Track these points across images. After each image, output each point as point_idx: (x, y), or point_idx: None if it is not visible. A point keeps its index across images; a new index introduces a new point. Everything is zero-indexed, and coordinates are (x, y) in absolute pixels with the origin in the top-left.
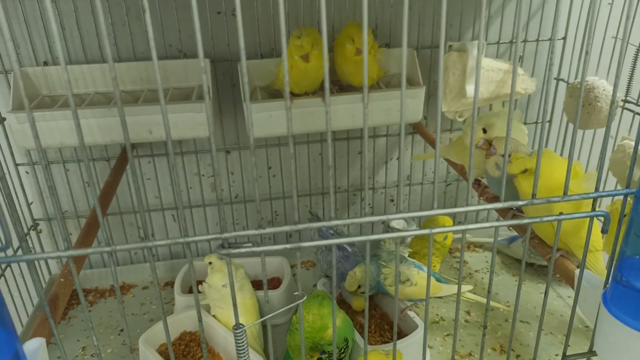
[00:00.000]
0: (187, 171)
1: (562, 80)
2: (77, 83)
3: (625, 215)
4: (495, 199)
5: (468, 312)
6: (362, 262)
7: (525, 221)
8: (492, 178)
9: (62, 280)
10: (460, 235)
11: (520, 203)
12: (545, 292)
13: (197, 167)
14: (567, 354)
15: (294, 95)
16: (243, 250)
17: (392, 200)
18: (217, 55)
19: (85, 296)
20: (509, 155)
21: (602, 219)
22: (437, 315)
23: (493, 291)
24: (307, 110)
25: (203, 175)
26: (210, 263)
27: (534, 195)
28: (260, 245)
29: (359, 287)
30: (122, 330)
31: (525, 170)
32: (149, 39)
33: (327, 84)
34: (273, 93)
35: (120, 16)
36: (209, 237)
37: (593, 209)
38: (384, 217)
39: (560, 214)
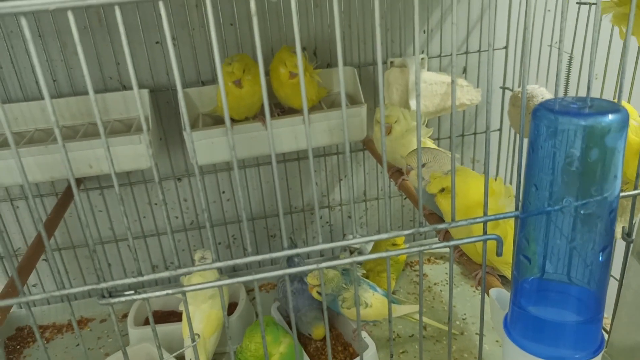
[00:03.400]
0: (137, 201)
1: (508, 88)
2: (17, 121)
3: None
4: (432, 215)
5: (425, 328)
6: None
7: (415, 250)
8: (418, 189)
9: None
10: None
11: (406, 232)
12: (481, 310)
13: (147, 196)
14: None
15: (234, 121)
16: (123, 299)
17: (350, 217)
18: (157, 84)
19: (42, 333)
20: (429, 174)
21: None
22: (393, 332)
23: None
24: (248, 135)
25: (155, 204)
26: (203, 258)
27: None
28: (142, 292)
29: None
30: None
31: (442, 189)
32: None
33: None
34: (216, 119)
35: (57, 52)
36: (86, 287)
37: (484, 233)
38: (339, 244)
39: (451, 239)
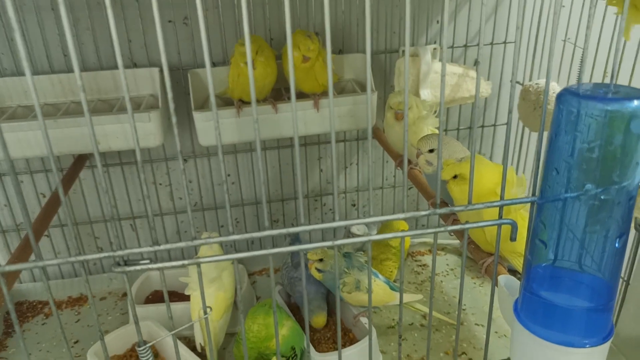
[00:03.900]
0: (139, 170)
1: (518, 82)
2: (27, 94)
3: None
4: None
5: (424, 316)
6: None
7: (430, 231)
8: (427, 175)
9: None
10: (419, 240)
11: (423, 213)
12: (491, 297)
13: (152, 176)
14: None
15: (244, 102)
16: (139, 267)
17: (354, 205)
18: (168, 63)
19: (41, 308)
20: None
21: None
22: (392, 320)
23: (451, 294)
24: (258, 117)
25: (160, 184)
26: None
27: (434, 206)
28: (157, 262)
29: (321, 260)
30: (76, 342)
31: (455, 176)
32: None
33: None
34: (226, 100)
35: (69, 27)
36: (102, 255)
37: (500, 217)
38: (347, 222)
39: (466, 222)
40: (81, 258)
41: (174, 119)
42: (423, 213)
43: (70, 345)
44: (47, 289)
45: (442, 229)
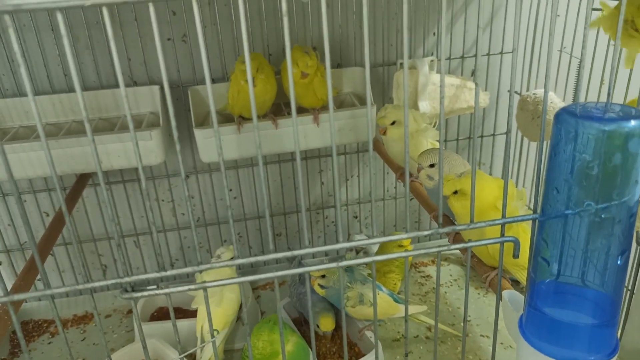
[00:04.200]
0: (144, 197)
1: (516, 92)
2: (27, 115)
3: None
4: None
5: (429, 329)
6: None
7: (434, 250)
8: (428, 189)
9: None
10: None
11: (425, 233)
12: (496, 311)
13: (155, 192)
14: None
15: (244, 119)
16: (146, 294)
17: (356, 217)
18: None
19: (47, 327)
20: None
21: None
22: (398, 332)
23: (455, 305)
24: (260, 138)
25: (163, 201)
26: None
27: (436, 219)
28: (163, 283)
29: (324, 276)
30: None
31: (456, 192)
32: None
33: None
34: (226, 117)
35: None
36: (109, 282)
37: (502, 235)
38: (352, 244)
39: (469, 240)
40: (89, 285)
41: (178, 147)
42: (425, 233)
43: None
44: (56, 315)
45: (445, 247)
